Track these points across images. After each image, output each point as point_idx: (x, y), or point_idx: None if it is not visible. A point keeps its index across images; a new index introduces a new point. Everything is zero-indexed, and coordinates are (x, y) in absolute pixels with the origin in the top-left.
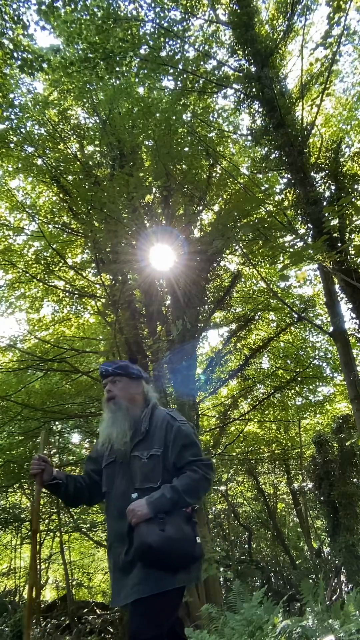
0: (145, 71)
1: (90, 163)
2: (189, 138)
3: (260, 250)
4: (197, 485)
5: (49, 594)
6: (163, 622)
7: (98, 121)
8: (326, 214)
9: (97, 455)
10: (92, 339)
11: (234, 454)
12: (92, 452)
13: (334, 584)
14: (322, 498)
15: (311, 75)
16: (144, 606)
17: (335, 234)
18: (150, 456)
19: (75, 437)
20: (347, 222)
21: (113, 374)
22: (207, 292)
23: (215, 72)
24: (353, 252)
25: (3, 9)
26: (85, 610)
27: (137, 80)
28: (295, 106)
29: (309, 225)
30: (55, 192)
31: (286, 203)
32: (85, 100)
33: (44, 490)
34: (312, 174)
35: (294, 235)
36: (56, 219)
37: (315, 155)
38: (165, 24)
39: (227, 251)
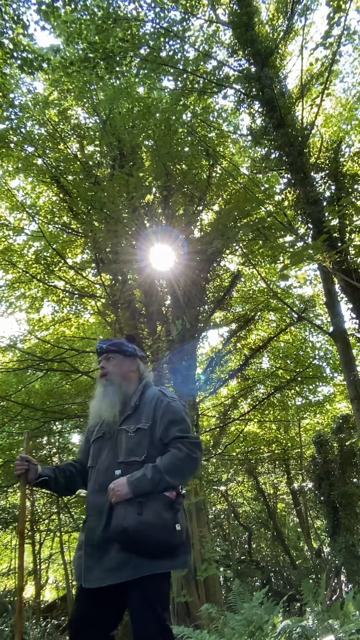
0: (145, 71)
1: (90, 163)
2: (189, 138)
3: (260, 250)
4: (181, 464)
5: (49, 594)
6: (163, 607)
7: (98, 121)
8: (326, 214)
9: (88, 435)
10: (92, 339)
11: (234, 454)
12: (85, 434)
13: (334, 584)
14: (322, 498)
15: (311, 75)
16: (140, 592)
17: (335, 234)
18: (137, 430)
19: (75, 437)
20: (347, 222)
21: (107, 351)
22: (207, 292)
23: (215, 72)
24: (353, 252)
25: (3, 9)
26: None
27: (137, 80)
28: (295, 106)
29: (309, 225)
30: (55, 192)
31: (286, 203)
32: (85, 100)
33: (44, 490)
34: (312, 174)
35: (294, 235)
36: (56, 219)
37: (315, 155)
38: (165, 24)
39: (227, 251)
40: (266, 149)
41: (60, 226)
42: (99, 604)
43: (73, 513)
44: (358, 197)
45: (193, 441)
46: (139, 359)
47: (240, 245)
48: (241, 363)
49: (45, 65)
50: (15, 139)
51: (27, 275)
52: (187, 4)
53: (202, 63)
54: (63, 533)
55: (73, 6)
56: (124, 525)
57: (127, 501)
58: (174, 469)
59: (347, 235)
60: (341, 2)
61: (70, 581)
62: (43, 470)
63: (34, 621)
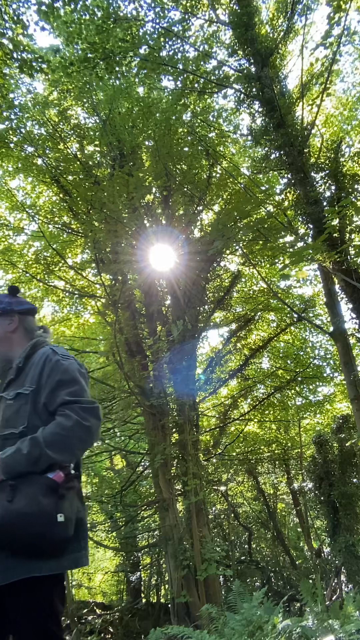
0: (145, 71)
1: (90, 163)
2: (189, 138)
3: (260, 251)
4: (67, 435)
5: None
6: (47, 615)
7: (98, 121)
8: (327, 215)
9: None
10: (92, 339)
11: (234, 454)
12: None
13: (334, 584)
14: (322, 498)
15: (311, 75)
16: (16, 600)
17: (335, 234)
18: (17, 395)
19: None
20: (347, 222)
21: None
22: (207, 292)
23: (215, 72)
24: (353, 252)
25: (3, 9)
26: (85, 610)
27: (137, 80)
28: (295, 106)
29: (309, 225)
30: (55, 192)
31: (286, 203)
32: (85, 100)
33: None
34: (312, 174)
35: (294, 236)
36: (56, 219)
37: (315, 155)
38: (165, 24)
39: (227, 251)
40: (266, 149)
41: (60, 226)
42: None
43: None
44: (358, 197)
45: (85, 406)
46: (19, 314)
47: (240, 245)
48: (241, 363)
49: (44, 66)
50: (15, 139)
51: (27, 275)
52: (187, 4)
53: (202, 63)
54: None
55: (73, 6)
56: None
57: None
58: (58, 440)
59: (347, 235)
60: (341, 2)
61: (70, 581)
62: None
63: None
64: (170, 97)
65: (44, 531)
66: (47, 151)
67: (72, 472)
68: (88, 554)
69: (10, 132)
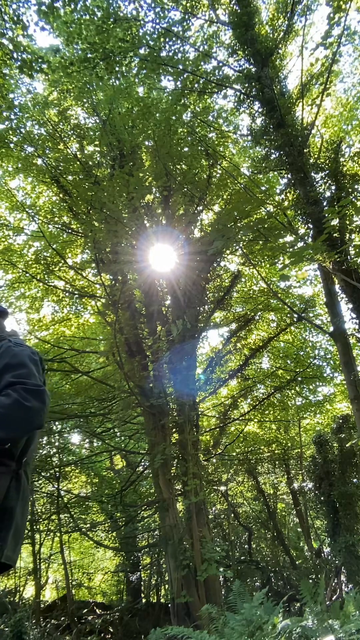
0: (145, 71)
1: (90, 163)
2: (189, 138)
3: (260, 251)
4: (5, 412)
5: (49, 594)
6: None
7: (98, 121)
8: (327, 215)
9: None
10: (92, 339)
11: (234, 454)
12: None
13: (334, 584)
14: (322, 498)
15: (311, 75)
16: None
17: (335, 234)
18: None
19: (75, 437)
20: (347, 222)
21: None
22: (207, 292)
23: (215, 72)
24: (353, 252)
25: (3, 9)
26: (85, 610)
27: (137, 80)
28: (295, 106)
29: (309, 225)
30: (55, 192)
31: (286, 203)
32: (85, 100)
33: (43, 490)
34: (312, 174)
35: (294, 236)
36: (56, 219)
37: (315, 155)
38: (165, 24)
39: (227, 251)
40: (266, 149)
41: (60, 226)
42: None
43: (73, 513)
44: (358, 197)
45: (29, 387)
46: None
47: (240, 245)
48: (241, 363)
49: (44, 67)
50: (15, 139)
51: (27, 275)
52: (187, 4)
53: (202, 63)
54: (63, 533)
55: (73, 6)
56: None
57: None
58: None
59: (347, 235)
60: (341, 2)
61: (70, 581)
62: None
63: (34, 621)
64: (170, 97)
65: None
66: (47, 151)
67: (8, 448)
68: (9, 551)
69: (10, 132)
